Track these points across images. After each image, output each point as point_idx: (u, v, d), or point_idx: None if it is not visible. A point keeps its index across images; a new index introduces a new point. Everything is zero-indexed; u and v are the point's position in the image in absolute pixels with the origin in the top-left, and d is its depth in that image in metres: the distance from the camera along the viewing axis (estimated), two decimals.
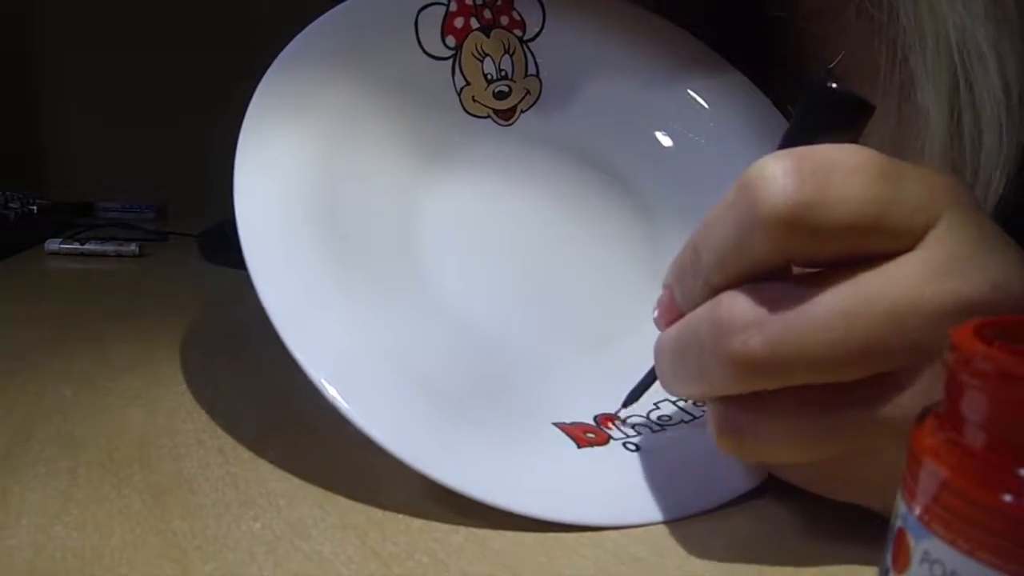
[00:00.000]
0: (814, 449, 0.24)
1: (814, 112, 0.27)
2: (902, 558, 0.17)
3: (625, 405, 0.32)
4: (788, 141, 0.26)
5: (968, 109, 0.32)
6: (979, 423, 0.16)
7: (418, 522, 0.27)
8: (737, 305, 0.23)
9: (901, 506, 0.18)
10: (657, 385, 0.32)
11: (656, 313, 0.28)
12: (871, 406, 0.23)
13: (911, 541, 0.17)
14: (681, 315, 0.26)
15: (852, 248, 0.23)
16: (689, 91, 0.42)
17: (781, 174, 0.22)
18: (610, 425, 0.32)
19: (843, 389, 0.23)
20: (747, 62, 0.43)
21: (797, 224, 0.22)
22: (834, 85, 0.26)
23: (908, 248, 0.23)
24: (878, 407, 0.23)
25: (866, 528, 0.27)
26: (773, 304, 0.23)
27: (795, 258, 0.24)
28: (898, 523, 0.18)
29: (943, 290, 0.22)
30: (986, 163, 0.32)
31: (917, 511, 0.17)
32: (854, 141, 0.24)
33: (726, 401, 0.25)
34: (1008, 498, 0.15)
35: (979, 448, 0.16)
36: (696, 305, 0.25)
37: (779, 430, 0.24)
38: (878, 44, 0.35)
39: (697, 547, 0.27)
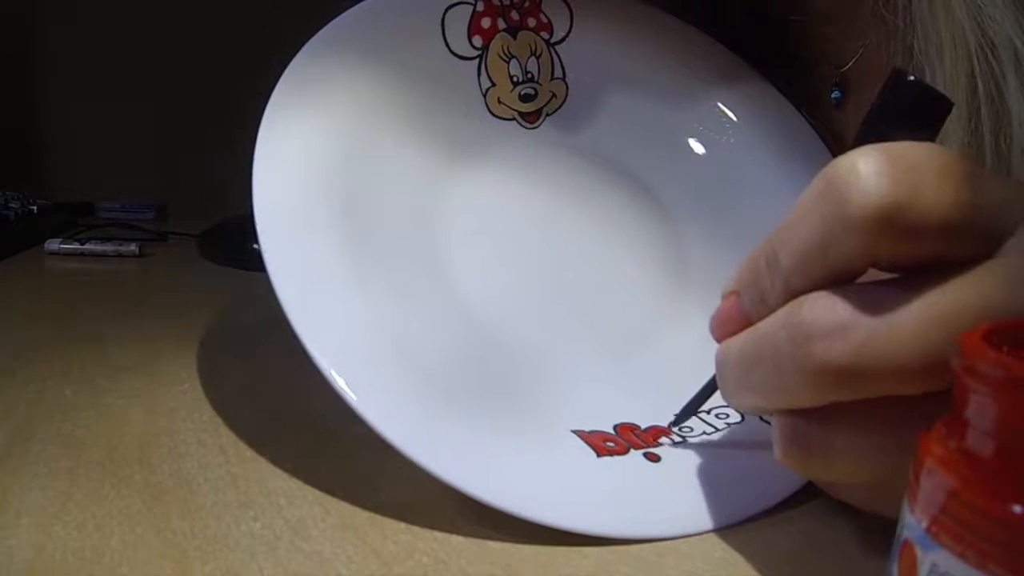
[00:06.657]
0: (884, 465, 0.22)
1: (895, 107, 0.25)
2: (909, 571, 0.17)
3: (678, 422, 0.32)
4: (866, 135, 0.25)
5: (990, 117, 0.31)
6: (988, 431, 0.16)
7: (418, 522, 0.27)
8: (819, 309, 0.22)
9: (907, 516, 0.17)
10: (680, 394, 0.32)
11: (713, 323, 0.27)
12: None
13: (918, 553, 0.17)
14: (746, 325, 0.25)
15: (938, 252, 0.21)
16: (715, 99, 0.42)
17: (875, 172, 0.21)
18: (630, 435, 0.31)
19: (920, 401, 0.21)
20: (755, 63, 0.43)
21: (891, 225, 0.21)
22: (913, 78, 0.25)
23: (987, 254, 0.21)
24: None
25: (870, 536, 0.27)
26: (859, 309, 0.21)
27: (881, 260, 0.22)
28: (904, 534, 0.17)
29: None
30: (1016, 171, 0.31)
31: (924, 522, 0.17)
32: (932, 139, 0.23)
33: (795, 413, 0.23)
34: (1018, 509, 0.15)
35: (988, 457, 0.16)
36: (770, 311, 0.24)
37: (852, 445, 0.22)
38: (893, 48, 0.35)
39: (697, 547, 0.27)
